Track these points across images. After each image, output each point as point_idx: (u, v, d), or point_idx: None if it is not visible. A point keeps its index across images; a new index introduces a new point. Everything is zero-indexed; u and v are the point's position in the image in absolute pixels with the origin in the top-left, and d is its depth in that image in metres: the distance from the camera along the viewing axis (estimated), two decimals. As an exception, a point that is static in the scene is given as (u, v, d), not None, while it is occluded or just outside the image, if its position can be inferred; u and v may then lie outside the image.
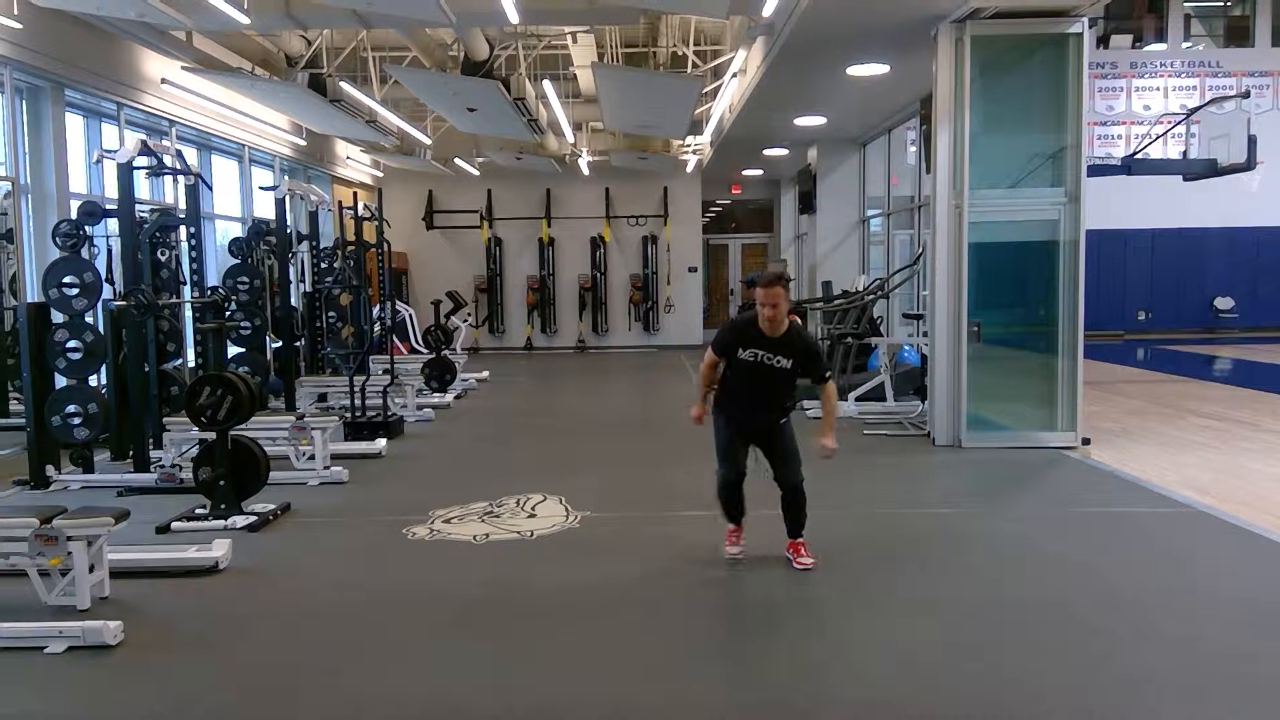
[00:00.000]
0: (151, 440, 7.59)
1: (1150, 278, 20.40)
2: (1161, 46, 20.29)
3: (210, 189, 11.43)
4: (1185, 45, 20.38)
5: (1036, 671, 3.78)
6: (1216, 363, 16.39)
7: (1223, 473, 7.38)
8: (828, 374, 5.02)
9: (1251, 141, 12.17)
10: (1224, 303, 20.39)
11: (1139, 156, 13.57)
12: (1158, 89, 19.97)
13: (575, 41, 11.65)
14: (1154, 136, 14.14)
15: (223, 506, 5.98)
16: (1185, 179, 13.67)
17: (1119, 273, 19.80)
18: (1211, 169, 12.87)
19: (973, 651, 4.01)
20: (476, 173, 18.19)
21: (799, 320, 5.24)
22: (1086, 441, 8.05)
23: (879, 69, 9.95)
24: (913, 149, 13.65)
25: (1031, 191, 8.10)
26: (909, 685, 3.69)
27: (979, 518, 6.15)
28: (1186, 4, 20.43)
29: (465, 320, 15.38)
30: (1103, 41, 19.81)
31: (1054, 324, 8.11)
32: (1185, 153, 14.57)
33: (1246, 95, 16.04)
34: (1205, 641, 4.08)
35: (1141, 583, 4.89)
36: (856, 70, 10.02)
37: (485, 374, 13.99)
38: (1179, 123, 14.60)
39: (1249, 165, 12.36)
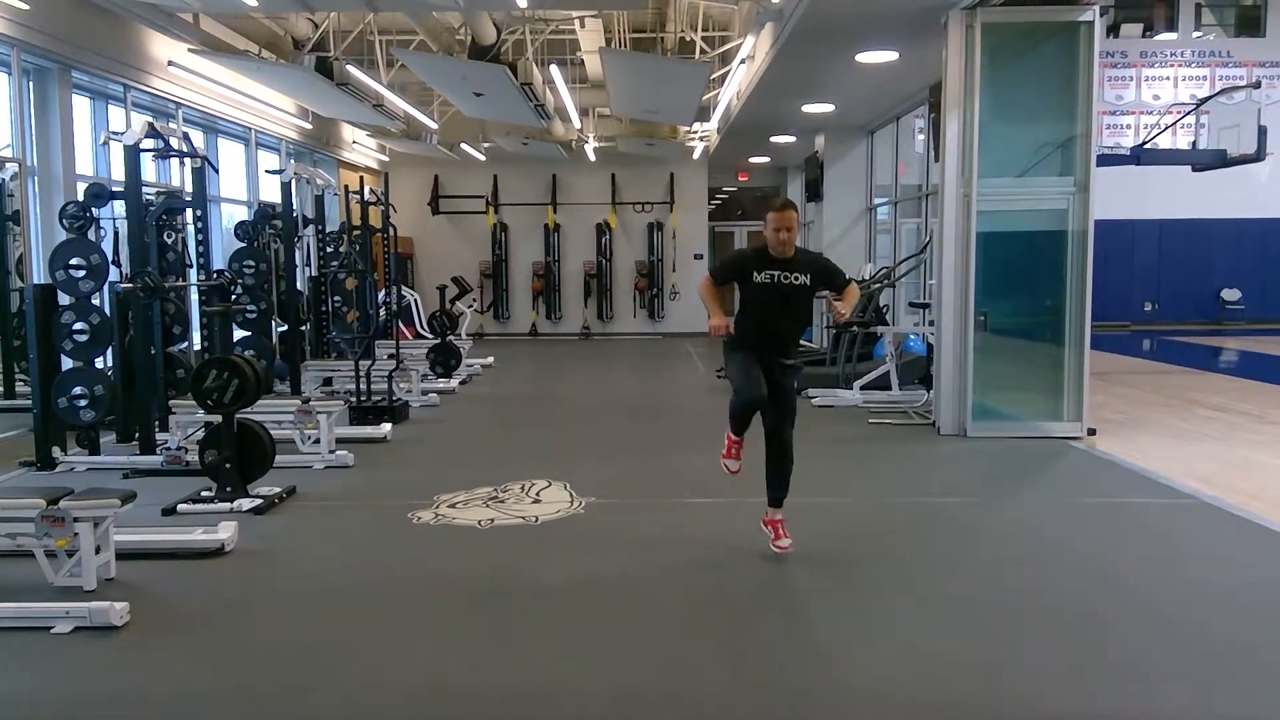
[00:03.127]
0: (157, 423, 7.60)
1: (1157, 268, 20.32)
2: (1172, 36, 20.17)
3: (216, 172, 11.43)
4: (1196, 35, 20.24)
5: (1039, 660, 3.79)
6: (1223, 354, 16.36)
7: (1228, 464, 7.36)
8: (848, 279, 5.07)
9: (1261, 132, 12.08)
10: (1231, 294, 20.31)
11: (1148, 146, 13.49)
12: (1167, 78, 19.86)
13: (583, 26, 11.61)
14: (1163, 126, 14.06)
15: (228, 489, 5.99)
16: (1194, 170, 13.59)
17: (1126, 263, 19.70)
18: (1221, 160, 12.78)
19: (976, 641, 4.01)
20: (482, 158, 18.16)
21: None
22: (1092, 432, 8.04)
23: (888, 56, 9.90)
24: (921, 137, 13.59)
25: (1040, 181, 8.07)
26: (912, 674, 3.69)
27: (984, 507, 6.15)
28: (1197, -7, 20.29)
29: (470, 306, 15.37)
30: (1113, 30, 19.67)
31: (1061, 314, 8.09)
32: (1194, 143, 14.47)
33: (1257, 86, 15.89)
34: (1209, 632, 4.08)
35: (1146, 573, 4.89)
36: (865, 57, 9.97)
37: (490, 360, 13.99)
38: (1188, 113, 14.51)
39: (1258, 156, 12.28)
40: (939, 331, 8.33)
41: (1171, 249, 20.25)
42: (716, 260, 4.68)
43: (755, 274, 4.82)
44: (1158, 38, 20.22)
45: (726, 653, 3.91)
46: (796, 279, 4.83)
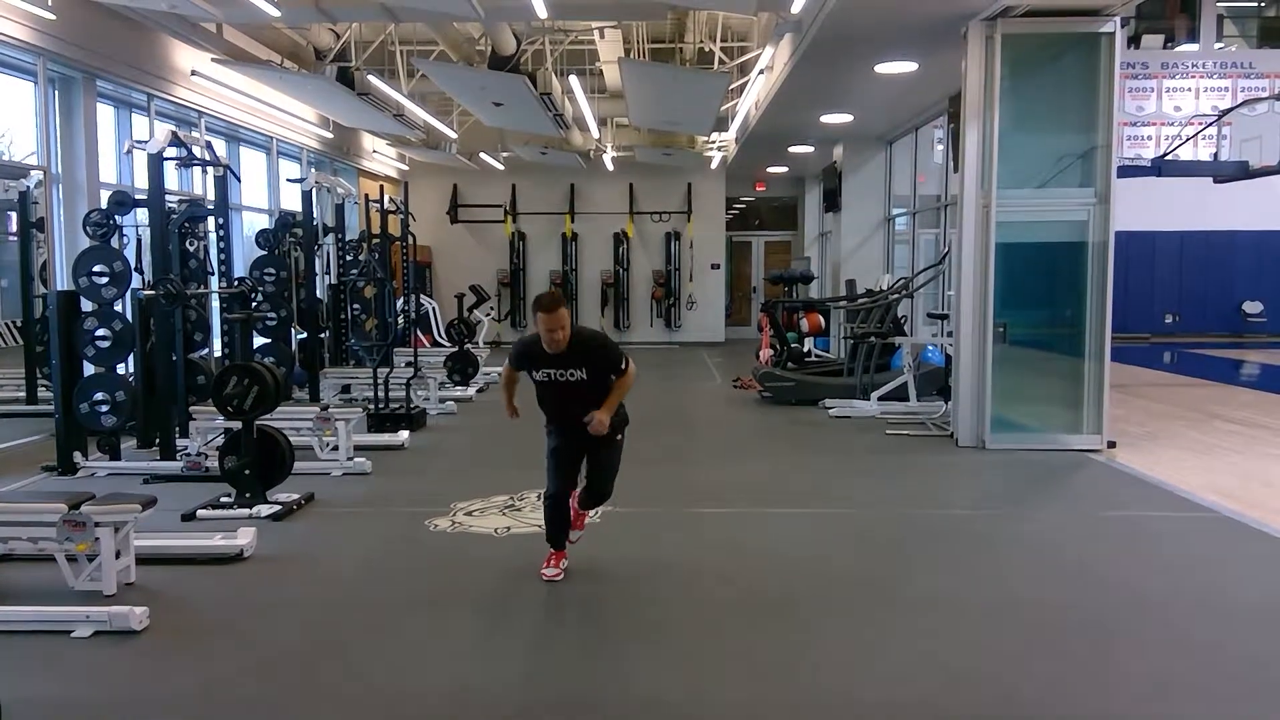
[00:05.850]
0: (178, 429, 7.65)
1: (1178, 280, 20.19)
2: (1193, 47, 20.05)
3: (238, 180, 11.51)
4: (1218, 46, 20.14)
5: (1059, 674, 3.76)
6: (1244, 367, 16.22)
7: (1249, 478, 7.29)
8: (623, 365, 4.87)
9: (1284, 144, 12.01)
10: (1252, 307, 20.15)
11: (1169, 158, 13.41)
12: (1189, 90, 19.62)
13: (602, 37, 11.65)
14: (1185, 138, 13.98)
15: (247, 495, 6.03)
16: (1216, 181, 13.52)
17: (1146, 275, 19.60)
18: (1242, 171, 12.72)
19: (996, 654, 3.99)
20: (501, 167, 18.24)
21: (587, 327, 5.09)
22: (1112, 445, 7.98)
23: (907, 67, 9.89)
24: (940, 148, 13.56)
25: (1060, 192, 8.03)
26: (931, 686, 3.67)
27: (1002, 520, 6.11)
28: (1219, 4, 20.18)
29: (488, 314, 15.42)
30: (1134, 41, 19.56)
31: (1080, 326, 8.04)
32: (1216, 154, 14.35)
33: (1279, 97, 15.81)
34: (1230, 647, 4.04)
35: (1166, 587, 4.85)
36: (885, 68, 9.97)
37: (507, 368, 13.99)
38: (1210, 124, 14.41)
39: (1281, 168, 12.21)
40: (957, 342, 8.30)
41: (1193, 261, 20.13)
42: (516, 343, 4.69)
43: (535, 371, 4.82)
44: (1179, 49, 20.10)
45: (743, 661, 3.90)
46: (573, 375, 4.74)
